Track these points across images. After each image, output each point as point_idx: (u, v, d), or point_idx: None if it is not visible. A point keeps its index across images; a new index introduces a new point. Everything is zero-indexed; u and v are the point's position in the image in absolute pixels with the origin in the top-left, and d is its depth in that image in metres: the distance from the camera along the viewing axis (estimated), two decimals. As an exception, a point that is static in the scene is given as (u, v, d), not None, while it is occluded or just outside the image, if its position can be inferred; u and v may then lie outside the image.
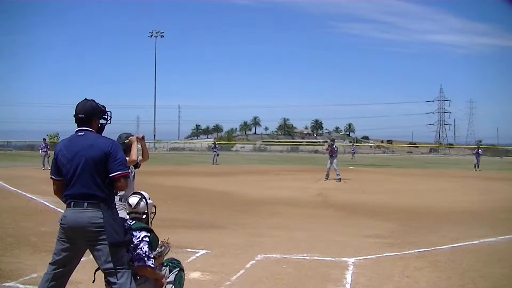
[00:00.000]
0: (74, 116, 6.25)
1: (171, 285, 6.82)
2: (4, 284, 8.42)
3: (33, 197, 19.82)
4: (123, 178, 6.05)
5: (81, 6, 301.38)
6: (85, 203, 5.86)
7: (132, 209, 6.72)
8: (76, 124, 6.27)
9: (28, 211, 16.53)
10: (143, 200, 6.78)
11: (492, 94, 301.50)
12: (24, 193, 21.34)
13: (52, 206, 16.87)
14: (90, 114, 6.23)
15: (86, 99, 6.34)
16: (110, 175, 5.99)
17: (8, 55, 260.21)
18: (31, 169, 38.09)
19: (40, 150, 42.20)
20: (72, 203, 5.91)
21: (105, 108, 6.44)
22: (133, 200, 6.74)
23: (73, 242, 5.97)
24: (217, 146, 56.12)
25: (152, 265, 6.39)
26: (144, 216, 6.77)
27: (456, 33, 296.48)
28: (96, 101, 6.39)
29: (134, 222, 6.62)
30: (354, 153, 79.82)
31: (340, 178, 29.62)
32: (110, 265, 5.91)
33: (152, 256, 6.45)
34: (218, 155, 52.53)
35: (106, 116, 6.46)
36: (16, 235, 12.55)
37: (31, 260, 9.95)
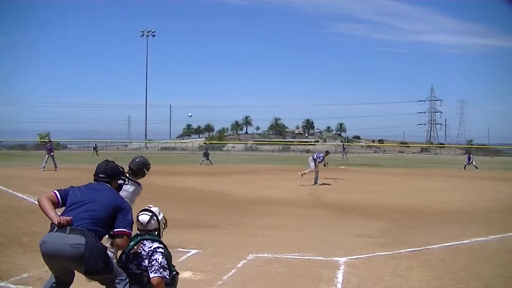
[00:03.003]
0: (94, 175, 6.54)
1: (169, 287, 6.82)
2: (-5, 284, 8.42)
3: (24, 197, 19.76)
4: (126, 236, 6.11)
5: (72, 6, 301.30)
6: (68, 229, 5.77)
7: (143, 227, 6.68)
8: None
9: (20, 211, 16.48)
10: (154, 218, 6.74)
11: (483, 94, 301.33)
12: (15, 193, 21.27)
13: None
14: (111, 176, 6.53)
15: (106, 160, 6.69)
16: (115, 229, 6.09)
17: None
18: (22, 169, 38.00)
19: (45, 151, 41.81)
20: (56, 227, 5.80)
21: (123, 169, 6.74)
22: (144, 218, 6.69)
23: (57, 269, 6.00)
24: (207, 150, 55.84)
25: (168, 277, 6.44)
26: (156, 233, 6.76)
27: (448, 33, 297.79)
28: (115, 162, 6.70)
29: (146, 235, 6.63)
30: (346, 153, 79.99)
31: (302, 174, 29.08)
32: (105, 281, 6.09)
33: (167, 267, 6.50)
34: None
35: (124, 177, 6.80)
36: (7, 235, 12.52)
37: (22, 260, 9.96)
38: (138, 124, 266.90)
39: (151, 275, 6.29)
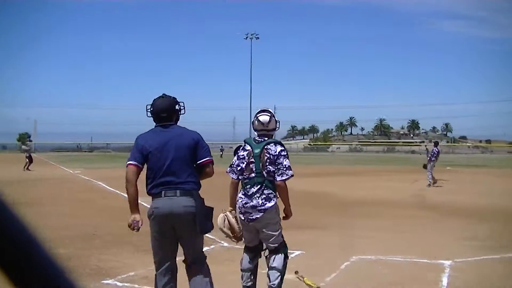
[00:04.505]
0: (152, 113, 6.49)
1: (275, 271, 7.15)
2: (103, 281, 8.70)
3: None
4: (211, 164, 6.43)
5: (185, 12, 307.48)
6: (178, 191, 6.12)
7: (263, 127, 7.24)
8: (153, 120, 6.53)
9: (127, 211, 16.81)
10: (273, 117, 7.32)
11: None
12: (122, 194, 21.79)
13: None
14: (171, 111, 6.48)
15: (163, 96, 6.57)
16: (199, 161, 6.33)
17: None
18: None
19: None
20: (163, 192, 6.14)
21: (176, 99, 6.64)
22: (265, 118, 7.24)
23: (168, 232, 6.25)
24: None
25: (293, 175, 7.12)
26: (272, 133, 7.36)
27: None
28: (167, 95, 6.62)
29: (266, 138, 7.18)
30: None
31: (429, 184, 28.53)
32: (196, 254, 6.38)
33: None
34: None
35: (179, 108, 6.65)
36: (115, 234, 12.89)
37: (129, 259, 10.27)
38: (243, 126, 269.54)
39: (278, 178, 6.96)
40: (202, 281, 6.32)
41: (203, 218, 6.16)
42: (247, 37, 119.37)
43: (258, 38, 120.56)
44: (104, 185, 27.00)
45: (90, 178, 31.67)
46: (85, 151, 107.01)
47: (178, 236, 6.29)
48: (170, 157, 6.18)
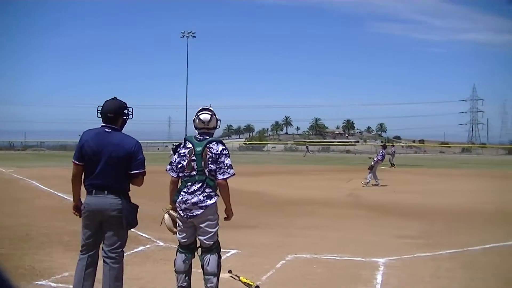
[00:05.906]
0: (101, 113, 6.82)
1: (212, 276, 7.32)
2: (36, 282, 8.53)
3: (65, 197, 19.92)
4: (141, 175, 6.79)
5: (113, 8, 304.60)
6: (106, 191, 6.63)
7: (204, 125, 7.35)
8: (101, 120, 6.85)
9: (60, 210, 16.57)
10: (214, 116, 7.43)
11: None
12: (56, 193, 21.50)
13: (84, 206, 16.95)
14: (118, 113, 6.80)
15: (115, 98, 6.94)
16: (131, 172, 6.71)
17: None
18: (63, 169, 38.33)
19: None
20: (94, 191, 6.69)
21: (126, 104, 6.97)
22: (206, 116, 7.35)
23: (95, 226, 6.77)
24: None
25: (234, 173, 7.35)
26: (213, 132, 7.48)
27: (490, 31, 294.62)
28: (118, 98, 6.98)
29: (207, 137, 7.31)
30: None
31: (367, 183, 28.86)
32: (117, 245, 6.77)
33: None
34: None
35: (128, 112, 6.97)
36: (48, 234, 12.69)
37: (63, 259, 10.06)
38: (178, 125, 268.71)
39: (219, 176, 7.22)
40: (117, 277, 6.75)
41: (128, 214, 6.68)
42: (183, 36, 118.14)
43: (195, 36, 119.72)
44: (37, 184, 26.54)
45: (24, 177, 31.02)
46: (18, 150, 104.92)
47: (104, 231, 6.75)
48: (102, 163, 6.63)
